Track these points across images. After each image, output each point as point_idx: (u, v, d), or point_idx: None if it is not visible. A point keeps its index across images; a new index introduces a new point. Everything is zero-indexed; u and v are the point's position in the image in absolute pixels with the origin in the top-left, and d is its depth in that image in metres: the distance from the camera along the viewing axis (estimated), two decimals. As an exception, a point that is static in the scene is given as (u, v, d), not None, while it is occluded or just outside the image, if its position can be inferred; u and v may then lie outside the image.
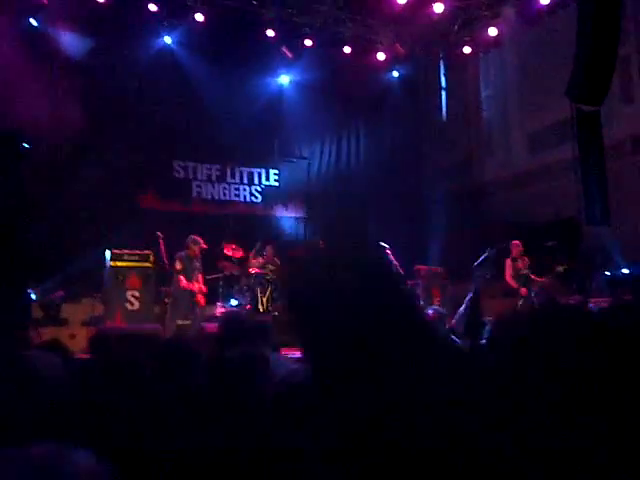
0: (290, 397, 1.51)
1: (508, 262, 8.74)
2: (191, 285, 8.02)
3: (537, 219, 11.44)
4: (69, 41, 10.15)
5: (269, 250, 9.71)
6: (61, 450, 0.72)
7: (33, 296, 8.02)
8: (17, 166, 6.49)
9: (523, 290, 8.53)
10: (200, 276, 8.27)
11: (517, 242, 8.73)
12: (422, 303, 10.41)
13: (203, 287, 8.29)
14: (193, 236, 8.24)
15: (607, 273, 8.59)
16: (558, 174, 11.21)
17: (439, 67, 13.80)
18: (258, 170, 12.94)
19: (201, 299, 8.21)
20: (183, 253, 8.11)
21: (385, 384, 0.95)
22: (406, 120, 13.78)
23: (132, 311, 8.64)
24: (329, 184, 13.10)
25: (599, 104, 9.78)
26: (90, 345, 4.33)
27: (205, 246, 8.36)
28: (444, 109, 14.35)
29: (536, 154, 12.42)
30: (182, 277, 7.96)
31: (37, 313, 8.31)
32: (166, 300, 9.01)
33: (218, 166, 12.46)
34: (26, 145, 6.70)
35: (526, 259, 8.70)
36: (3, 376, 1.91)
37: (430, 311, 4.74)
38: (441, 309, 4.93)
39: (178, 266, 8.00)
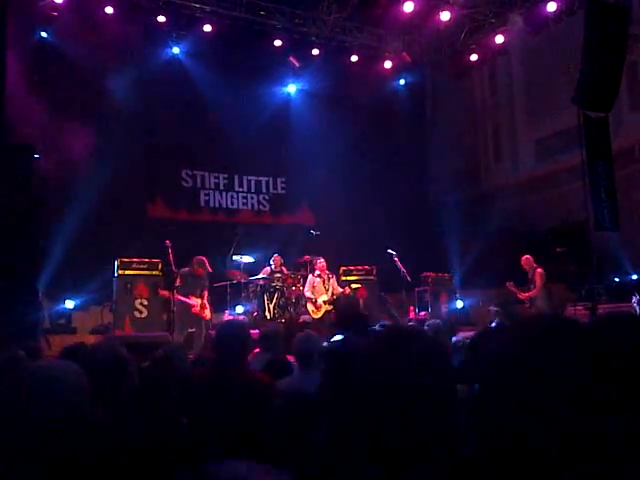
0: None
1: None
2: (186, 299, 7.93)
3: (545, 225, 11.39)
4: (79, 52, 10.27)
5: (276, 259, 9.71)
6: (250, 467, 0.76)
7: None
8: (28, 176, 6.58)
9: None
10: (206, 293, 8.14)
11: None
12: (430, 310, 10.42)
13: (206, 303, 8.09)
14: (199, 257, 8.11)
15: (616, 279, 8.52)
16: (566, 180, 11.16)
17: (446, 75, 13.80)
18: (266, 179, 12.99)
19: (205, 314, 8.04)
20: (187, 270, 8.02)
21: None
22: (413, 127, 13.80)
23: (140, 319, 8.71)
24: (337, 192, 13.12)
25: (607, 110, 9.74)
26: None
27: (211, 270, 8.26)
28: (451, 116, 14.35)
29: (544, 160, 12.39)
30: (178, 294, 7.95)
31: (46, 321, 8.36)
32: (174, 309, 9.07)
33: (226, 175, 12.53)
34: (37, 156, 6.81)
35: None
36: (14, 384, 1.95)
37: None
38: None
39: (178, 282, 7.99)
